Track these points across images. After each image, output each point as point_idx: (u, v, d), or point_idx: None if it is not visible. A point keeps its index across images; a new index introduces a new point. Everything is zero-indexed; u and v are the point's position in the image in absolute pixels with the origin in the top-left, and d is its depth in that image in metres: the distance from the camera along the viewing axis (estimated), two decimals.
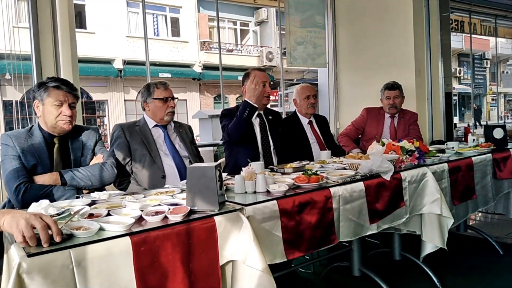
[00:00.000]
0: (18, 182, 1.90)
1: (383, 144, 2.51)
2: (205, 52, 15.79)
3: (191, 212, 1.57)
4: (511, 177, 3.19)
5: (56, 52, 3.07)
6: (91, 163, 2.14)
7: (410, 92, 4.15)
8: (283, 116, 4.48)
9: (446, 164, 2.67)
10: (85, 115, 13.54)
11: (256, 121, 2.92)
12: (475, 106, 18.41)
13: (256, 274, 1.54)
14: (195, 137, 2.89)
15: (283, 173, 2.37)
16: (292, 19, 4.70)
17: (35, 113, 2.09)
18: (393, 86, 3.69)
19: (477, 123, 16.77)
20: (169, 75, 14.19)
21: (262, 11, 16.93)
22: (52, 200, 1.84)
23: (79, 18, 12.98)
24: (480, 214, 4.39)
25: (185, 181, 1.84)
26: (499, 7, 6.48)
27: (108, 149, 2.36)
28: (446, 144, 3.43)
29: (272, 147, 2.92)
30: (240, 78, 3.17)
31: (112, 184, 2.31)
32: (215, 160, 4.32)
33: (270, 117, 3.01)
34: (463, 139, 4.76)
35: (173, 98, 2.62)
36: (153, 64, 12.71)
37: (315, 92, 3.43)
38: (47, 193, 1.91)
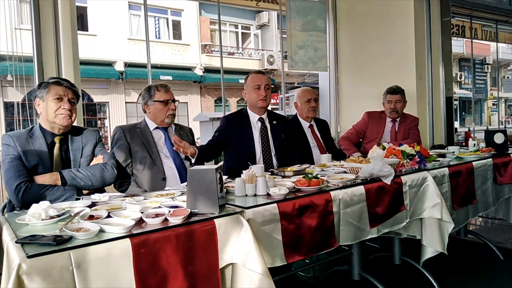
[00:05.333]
0: (18, 181, 1.91)
1: (383, 148, 2.51)
2: (206, 55, 15.83)
3: (191, 214, 1.56)
4: None
5: (58, 54, 3.08)
6: (91, 164, 2.14)
7: (411, 96, 4.15)
8: None
9: (446, 169, 2.66)
10: (86, 117, 13.54)
11: (257, 126, 2.92)
12: None
13: (256, 277, 1.53)
14: (195, 140, 2.90)
15: (283, 176, 2.37)
16: (293, 22, 4.72)
17: (36, 113, 2.11)
18: (395, 91, 3.68)
19: None
20: (170, 78, 14.22)
21: (263, 15, 16.96)
22: (52, 200, 1.84)
23: (81, 20, 13.01)
24: (480, 219, 4.38)
25: (185, 183, 1.84)
26: (500, 12, 6.48)
27: (108, 151, 2.37)
28: (447, 149, 3.43)
29: (273, 153, 2.91)
30: (241, 81, 3.18)
31: (113, 186, 2.31)
32: (215, 163, 4.31)
33: (274, 122, 2.98)
34: (463, 143, 4.76)
35: (173, 101, 2.62)
36: (154, 66, 12.73)
37: (316, 96, 3.43)
38: (47, 192, 1.92)
